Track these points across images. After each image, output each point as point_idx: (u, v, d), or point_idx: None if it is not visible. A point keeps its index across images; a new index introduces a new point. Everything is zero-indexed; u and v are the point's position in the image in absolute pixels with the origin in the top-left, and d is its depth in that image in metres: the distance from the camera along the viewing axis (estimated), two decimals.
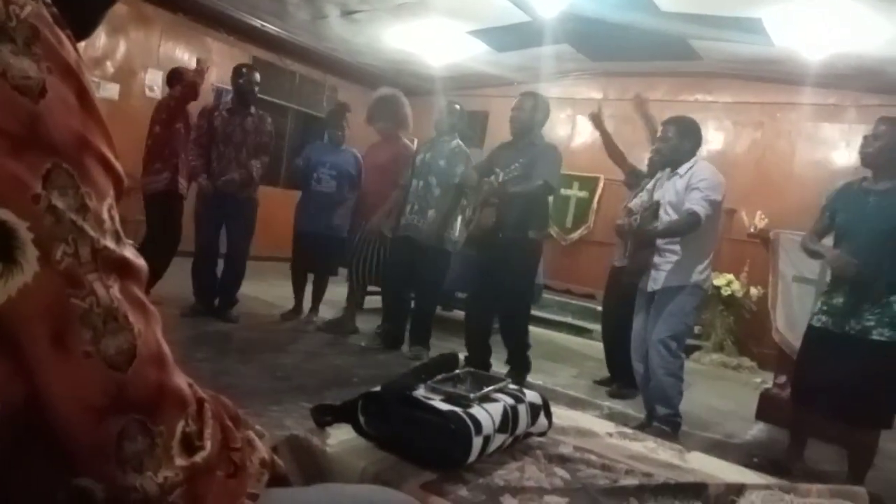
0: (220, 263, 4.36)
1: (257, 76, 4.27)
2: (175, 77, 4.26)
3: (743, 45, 5.47)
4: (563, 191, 6.60)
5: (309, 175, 4.47)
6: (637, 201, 3.34)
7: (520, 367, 3.77)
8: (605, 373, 4.06)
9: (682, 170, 3.07)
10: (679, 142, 3.12)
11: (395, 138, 4.31)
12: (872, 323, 2.45)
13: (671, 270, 3.03)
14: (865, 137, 2.66)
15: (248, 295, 4.85)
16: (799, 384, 2.79)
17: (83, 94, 0.48)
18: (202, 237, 4.19)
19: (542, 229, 3.83)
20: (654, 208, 3.06)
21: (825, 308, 2.66)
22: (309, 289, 4.64)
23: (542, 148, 3.65)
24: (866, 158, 2.64)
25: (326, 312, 4.64)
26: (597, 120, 4.00)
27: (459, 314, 5.60)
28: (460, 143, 4.03)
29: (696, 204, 2.91)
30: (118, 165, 0.50)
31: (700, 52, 5.98)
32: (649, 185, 3.32)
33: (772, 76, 6.13)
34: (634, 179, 3.93)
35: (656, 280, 3.07)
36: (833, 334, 2.56)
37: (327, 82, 8.18)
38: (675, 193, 3.04)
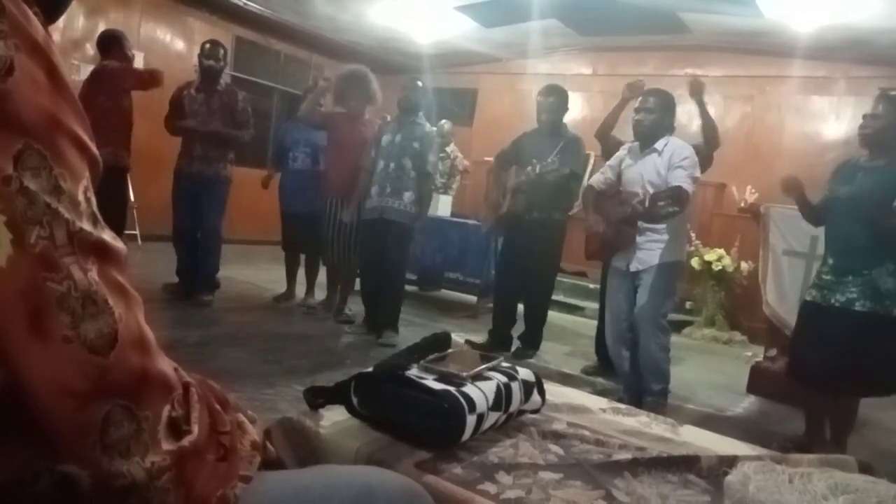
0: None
1: (221, 52, 4.17)
2: (113, 44, 4.07)
3: (732, 17, 5.43)
4: None
5: (285, 155, 4.50)
6: (600, 177, 3.27)
7: (533, 345, 4.02)
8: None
9: (659, 146, 3.01)
10: (662, 116, 3.05)
11: (361, 116, 4.21)
12: (855, 295, 2.49)
13: (661, 249, 2.99)
14: (864, 117, 2.57)
15: (238, 279, 4.83)
16: (794, 358, 2.78)
17: (53, 73, 0.46)
18: (179, 217, 4.16)
19: (566, 210, 4.01)
20: (674, 194, 2.79)
21: (816, 282, 2.69)
22: (302, 271, 4.61)
23: (568, 139, 3.84)
24: (865, 139, 2.56)
25: (319, 295, 4.62)
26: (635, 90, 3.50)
27: (448, 293, 5.61)
28: (430, 126, 4.02)
29: (683, 181, 2.84)
30: (93, 146, 0.49)
31: (689, 26, 5.94)
32: (612, 162, 3.24)
33: (762, 49, 6.11)
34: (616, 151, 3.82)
35: (641, 260, 3.03)
36: (821, 308, 2.59)
37: (313, 61, 8.07)
38: (657, 173, 2.97)
